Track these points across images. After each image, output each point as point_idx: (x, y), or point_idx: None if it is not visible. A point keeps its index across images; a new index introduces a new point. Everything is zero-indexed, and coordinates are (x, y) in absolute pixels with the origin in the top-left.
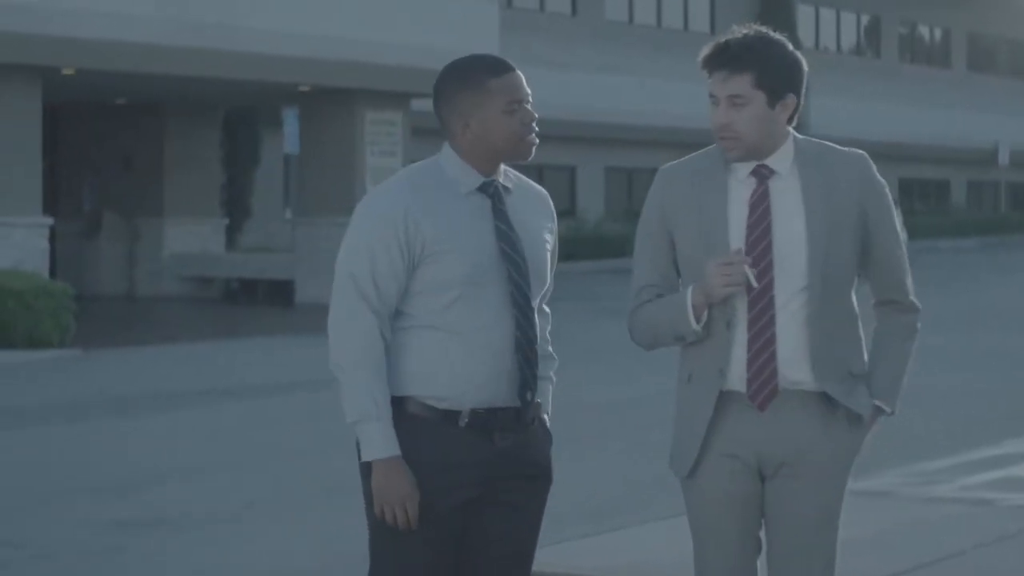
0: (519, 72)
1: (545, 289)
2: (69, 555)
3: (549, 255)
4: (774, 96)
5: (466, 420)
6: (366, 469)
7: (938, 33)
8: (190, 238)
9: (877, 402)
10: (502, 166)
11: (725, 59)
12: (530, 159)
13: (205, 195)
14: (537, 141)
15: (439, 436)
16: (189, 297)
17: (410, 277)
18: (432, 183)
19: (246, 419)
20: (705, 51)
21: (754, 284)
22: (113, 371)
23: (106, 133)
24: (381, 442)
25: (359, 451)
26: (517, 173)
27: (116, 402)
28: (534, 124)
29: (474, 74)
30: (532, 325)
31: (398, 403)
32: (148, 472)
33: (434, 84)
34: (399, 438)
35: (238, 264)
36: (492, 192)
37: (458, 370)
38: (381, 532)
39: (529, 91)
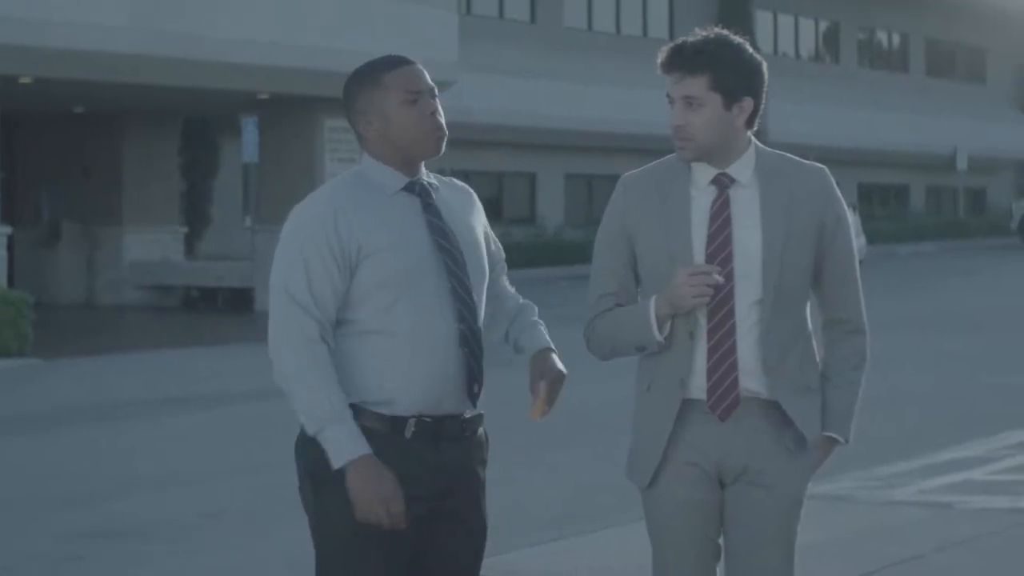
0: (418, 66)
1: (489, 280)
2: (28, 567)
3: (486, 249)
4: (730, 98)
5: (412, 430)
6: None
7: (896, 39)
8: (149, 246)
9: (831, 434)
10: (423, 167)
11: (680, 61)
12: (440, 154)
13: (164, 203)
14: (444, 134)
15: (388, 448)
16: (149, 305)
17: (350, 282)
18: (359, 188)
19: (208, 428)
20: (662, 53)
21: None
22: (73, 380)
23: (64, 142)
24: (348, 443)
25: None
26: (439, 175)
27: (76, 411)
28: (438, 117)
29: (370, 72)
30: (476, 318)
31: None
32: (109, 482)
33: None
34: None
35: (198, 272)
36: (419, 190)
37: (403, 370)
38: (329, 552)
39: (433, 85)
